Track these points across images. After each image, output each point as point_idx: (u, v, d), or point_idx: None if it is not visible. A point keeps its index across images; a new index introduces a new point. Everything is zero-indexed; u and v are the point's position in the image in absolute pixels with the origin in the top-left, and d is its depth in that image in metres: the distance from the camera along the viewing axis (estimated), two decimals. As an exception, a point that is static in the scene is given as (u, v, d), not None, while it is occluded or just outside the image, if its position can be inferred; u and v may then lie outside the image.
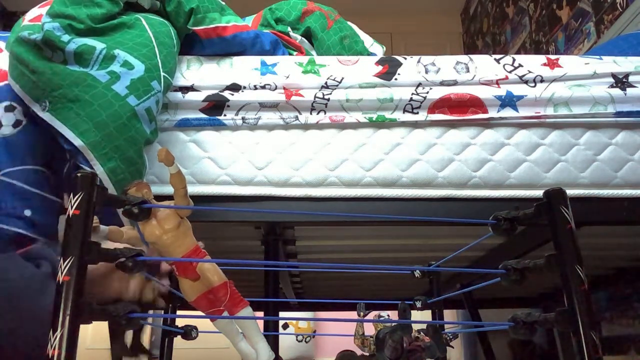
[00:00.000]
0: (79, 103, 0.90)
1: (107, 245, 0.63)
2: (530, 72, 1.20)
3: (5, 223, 0.87)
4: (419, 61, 1.22)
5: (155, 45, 1.03)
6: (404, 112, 1.17)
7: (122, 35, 1.02)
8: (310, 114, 1.16)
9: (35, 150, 0.95)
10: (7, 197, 0.90)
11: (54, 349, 0.33)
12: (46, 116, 0.90)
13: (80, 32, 0.98)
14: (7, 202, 0.89)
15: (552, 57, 1.24)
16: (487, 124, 1.18)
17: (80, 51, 0.95)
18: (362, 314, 0.67)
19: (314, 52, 1.43)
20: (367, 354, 0.63)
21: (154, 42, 1.04)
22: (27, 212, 0.89)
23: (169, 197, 0.57)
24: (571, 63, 1.23)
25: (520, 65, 1.21)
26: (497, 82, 1.19)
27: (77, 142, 0.88)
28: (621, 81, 1.20)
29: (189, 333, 0.64)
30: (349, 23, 1.52)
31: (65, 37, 0.95)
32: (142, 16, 1.08)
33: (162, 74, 1.02)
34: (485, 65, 1.22)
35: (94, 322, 0.38)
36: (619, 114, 1.18)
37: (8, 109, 0.93)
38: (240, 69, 1.19)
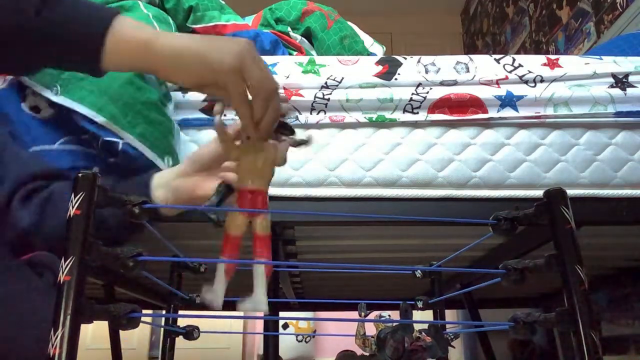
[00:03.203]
0: (89, 80, 0.89)
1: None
2: (530, 72, 1.20)
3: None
4: (419, 61, 1.22)
5: (154, 21, 1.04)
6: (404, 112, 1.17)
7: None
8: (310, 114, 1.16)
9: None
10: (71, 160, 0.90)
11: (55, 348, 0.33)
12: (60, 99, 0.89)
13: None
14: (73, 163, 0.90)
15: (552, 57, 1.24)
16: (487, 124, 1.18)
17: None
18: (363, 314, 0.67)
19: (314, 52, 1.43)
20: (368, 354, 0.63)
21: (153, 19, 1.04)
22: (95, 169, 0.88)
23: None
24: (571, 63, 1.23)
25: (520, 65, 1.21)
26: (497, 82, 1.19)
27: (99, 118, 0.88)
28: (621, 81, 1.21)
29: (190, 333, 0.64)
30: (349, 23, 1.52)
31: None
32: (140, 2, 1.09)
33: None
34: (485, 65, 1.22)
35: (94, 322, 0.38)
36: (619, 114, 1.18)
37: (36, 93, 0.93)
38: (241, 69, 1.19)
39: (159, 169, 0.84)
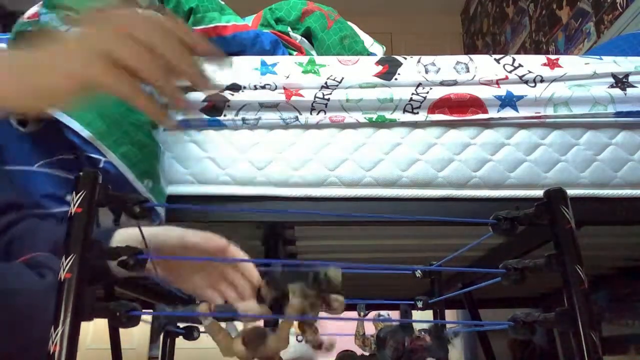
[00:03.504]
0: None
1: None
2: (530, 72, 1.20)
3: (51, 207, 0.87)
4: (419, 61, 1.22)
5: None
6: (404, 112, 1.17)
7: None
8: (310, 114, 1.16)
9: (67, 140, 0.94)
10: (47, 185, 0.90)
11: (55, 345, 0.33)
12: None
13: (77, 22, 0.99)
14: (48, 189, 0.90)
15: (552, 57, 1.24)
16: (487, 124, 1.18)
17: None
18: (362, 314, 0.67)
19: (314, 52, 1.43)
20: (368, 353, 0.63)
21: None
22: (69, 198, 0.89)
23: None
24: (571, 63, 1.23)
25: (520, 65, 1.21)
26: (497, 82, 1.19)
27: (85, 133, 0.88)
28: (621, 81, 1.20)
29: (190, 333, 0.64)
30: (349, 23, 1.52)
31: (63, 27, 0.96)
32: (140, 9, 1.09)
33: None
34: (485, 65, 1.22)
35: (94, 321, 0.38)
36: (619, 114, 1.18)
37: None
38: (240, 68, 1.19)
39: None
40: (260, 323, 0.52)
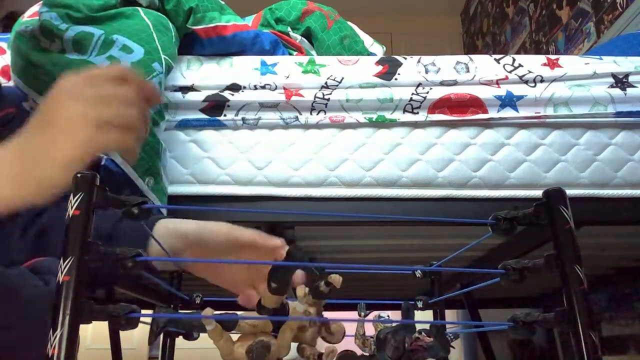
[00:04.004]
0: None
1: None
2: (530, 72, 1.20)
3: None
4: (419, 61, 1.22)
5: (153, 32, 1.04)
6: (404, 112, 1.17)
7: (119, 23, 1.03)
8: (310, 114, 1.16)
9: None
10: None
11: (54, 348, 0.33)
12: None
13: (78, 21, 0.99)
14: None
15: (552, 57, 1.24)
16: (487, 124, 1.18)
17: (79, 38, 0.95)
18: (362, 314, 0.66)
19: (314, 52, 1.43)
20: (368, 354, 0.63)
21: (152, 29, 1.04)
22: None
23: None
24: (571, 63, 1.23)
25: (520, 65, 1.22)
26: (497, 82, 1.19)
27: None
28: (621, 81, 1.20)
29: (190, 333, 0.63)
30: (349, 23, 1.52)
31: (63, 25, 0.96)
32: (140, 8, 1.09)
33: (163, 56, 1.02)
34: (485, 65, 1.22)
35: (93, 322, 0.38)
36: (619, 114, 1.18)
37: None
38: (240, 68, 1.19)
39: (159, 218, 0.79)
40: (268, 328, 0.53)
